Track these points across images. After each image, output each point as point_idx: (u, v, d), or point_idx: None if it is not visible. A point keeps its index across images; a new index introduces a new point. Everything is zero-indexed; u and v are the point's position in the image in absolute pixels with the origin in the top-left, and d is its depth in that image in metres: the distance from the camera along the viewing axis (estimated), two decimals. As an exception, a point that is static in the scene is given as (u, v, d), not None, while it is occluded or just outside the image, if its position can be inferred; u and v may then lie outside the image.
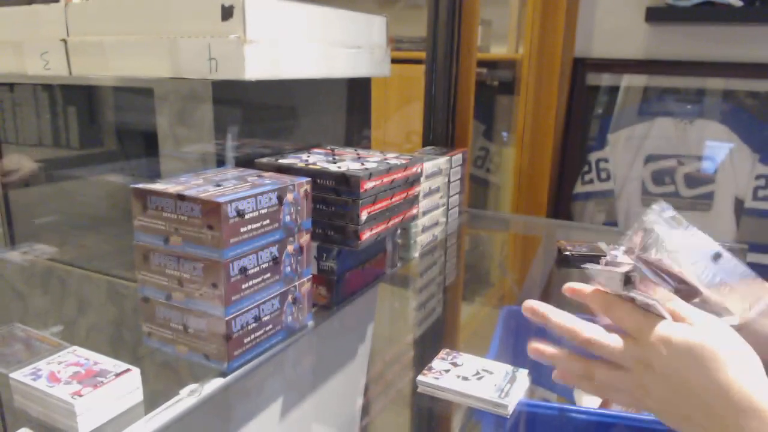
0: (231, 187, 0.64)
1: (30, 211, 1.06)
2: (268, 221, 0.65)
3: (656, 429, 0.77)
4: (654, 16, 1.78)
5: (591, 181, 1.96)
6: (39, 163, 1.03)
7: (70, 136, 0.98)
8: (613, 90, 1.95)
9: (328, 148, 0.95)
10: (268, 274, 0.66)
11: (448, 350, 0.83)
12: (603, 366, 0.51)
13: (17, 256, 1.04)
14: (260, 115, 0.86)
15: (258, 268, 0.64)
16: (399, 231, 1.00)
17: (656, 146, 1.88)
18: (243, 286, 0.63)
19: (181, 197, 0.60)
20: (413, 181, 0.90)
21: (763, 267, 1.73)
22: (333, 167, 0.77)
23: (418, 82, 1.48)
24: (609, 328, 0.52)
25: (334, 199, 0.76)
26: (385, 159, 0.86)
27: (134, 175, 0.92)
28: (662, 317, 0.49)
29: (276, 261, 0.67)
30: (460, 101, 1.47)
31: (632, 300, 0.50)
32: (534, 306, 0.55)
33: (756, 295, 0.53)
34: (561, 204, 2.03)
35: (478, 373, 0.78)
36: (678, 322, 0.48)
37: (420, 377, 0.77)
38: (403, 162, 0.85)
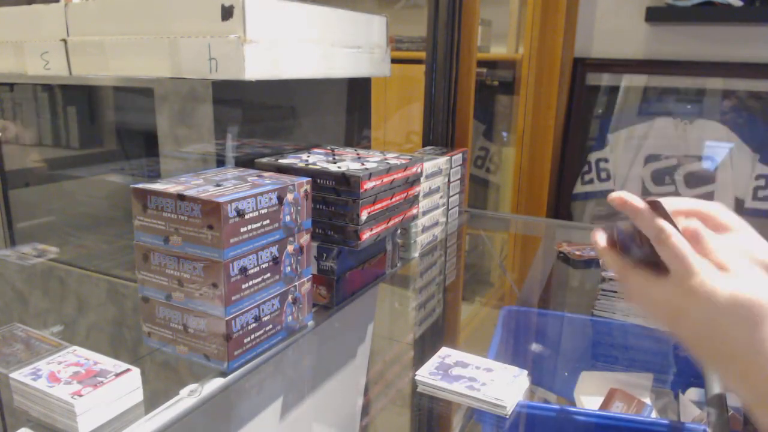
0: (231, 187, 0.64)
1: (30, 211, 1.07)
2: (268, 221, 0.65)
3: (654, 431, 0.77)
4: (654, 16, 1.78)
5: (591, 181, 1.96)
6: (39, 162, 1.03)
7: (70, 136, 0.99)
8: (613, 90, 1.95)
9: (328, 148, 0.95)
10: (268, 274, 0.66)
11: (447, 349, 0.84)
12: (648, 271, 0.50)
13: (17, 256, 1.04)
14: (260, 115, 0.86)
15: (258, 268, 0.64)
16: (399, 231, 1.00)
17: (656, 146, 1.88)
18: (243, 286, 0.63)
19: (181, 197, 0.60)
20: (413, 181, 0.90)
21: (763, 267, 1.73)
22: (333, 167, 0.77)
23: (418, 82, 1.48)
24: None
25: (334, 199, 0.77)
26: (385, 159, 0.86)
27: (134, 175, 0.92)
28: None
29: (276, 261, 0.67)
30: (460, 101, 1.47)
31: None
32: (624, 197, 0.52)
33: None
34: (561, 204, 2.02)
35: (477, 372, 0.78)
36: (718, 270, 0.47)
37: (419, 376, 0.77)
38: (403, 162, 0.85)
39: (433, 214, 1.15)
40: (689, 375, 1.03)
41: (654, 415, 0.95)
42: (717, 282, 0.46)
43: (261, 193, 0.63)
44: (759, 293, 0.45)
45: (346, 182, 0.75)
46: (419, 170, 0.92)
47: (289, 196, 0.67)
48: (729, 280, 0.46)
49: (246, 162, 0.81)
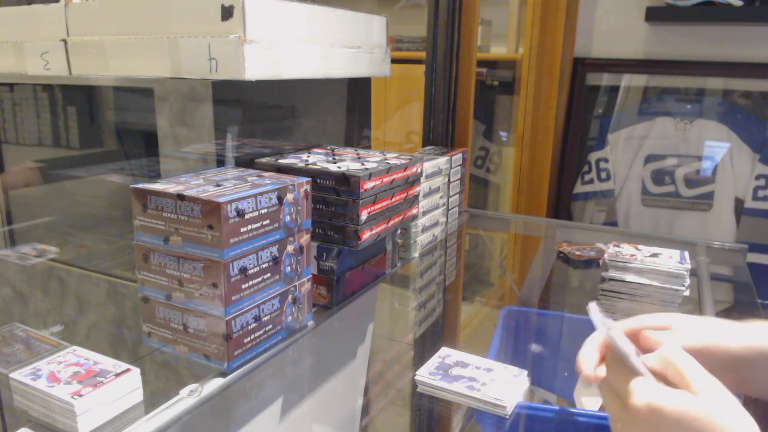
0: (231, 187, 0.64)
1: (30, 211, 1.07)
2: (268, 221, 0.65)
3: None
4: (654, 15, 1.78)
5: (591, 181, 1.95)
6: (39, 163, 1.03)
7: (70, 136, 0.99)
8: (613, 90, 1.95)
9: (328, 148, 0.95)
10: (268, 274, 0.66)
11: (447, 349, 0.84)
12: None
13: (17, 256, 1.04)
14: (260, 115, 0.86)
15: (258, 268, 0.64)
16: (399, 231, 1.00)
17: (656, 146, 1.88)
18: (243, 286, 0.63)
19: (181, 197, 0.60)
20: (413, 181, 0.90)
21: (764, 267, 1.73)
22: (333, 167, 0.77)
23: (418, 82, 1.48)
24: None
25: (334, 199, 0.77)
26: (385, 159, 0.86)
27: (134, 175, 0.92)
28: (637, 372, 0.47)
29: (276, 261, 0.67)
30: (460, 101, 1.47)
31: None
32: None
33: None
34: (561, 204, 2.03)
35: (477, 372, 0.78)
36: (674, 389, 0.45)
37: (419, 376, 0.77)
38: (403, 162, 0.85)
39: (433, 214, 1.15)
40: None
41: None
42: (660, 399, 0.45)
43: (261, 193, 0.63)
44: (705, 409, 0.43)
45: (346, 182, 0.75)
46: (419, 170, 0.92)
47: (289, 196, 0.67)
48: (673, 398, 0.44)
49: (246, 162, 0.81)
